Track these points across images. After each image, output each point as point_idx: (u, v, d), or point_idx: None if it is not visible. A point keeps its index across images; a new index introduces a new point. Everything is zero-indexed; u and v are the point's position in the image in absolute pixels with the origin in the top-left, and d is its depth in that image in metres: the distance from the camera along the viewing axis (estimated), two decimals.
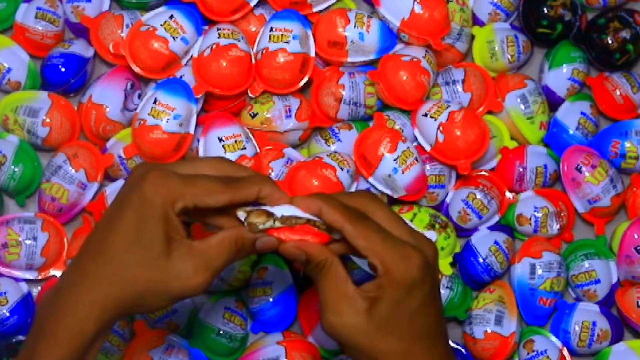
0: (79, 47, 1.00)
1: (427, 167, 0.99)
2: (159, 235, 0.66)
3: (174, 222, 0.67)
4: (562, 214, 1.01)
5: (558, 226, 1.01)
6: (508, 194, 1.02)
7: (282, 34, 0.97)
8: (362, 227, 0.68)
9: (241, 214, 0.70)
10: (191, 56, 0.98)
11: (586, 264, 1.00)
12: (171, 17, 0.96)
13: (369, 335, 0.67)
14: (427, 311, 0.68)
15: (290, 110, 0.99)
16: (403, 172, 0.95)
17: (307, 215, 0.70)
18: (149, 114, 0.94)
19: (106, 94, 0.98)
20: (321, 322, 0.69)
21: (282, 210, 0.70)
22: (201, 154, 0.96)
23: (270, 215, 0.69)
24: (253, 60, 0.98)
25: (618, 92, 1.04)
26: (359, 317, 0.67)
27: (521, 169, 1.01)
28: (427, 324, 0.69)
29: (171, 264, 0.66)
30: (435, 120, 0.97)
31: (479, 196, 0.99)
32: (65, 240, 0.98)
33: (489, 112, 1.03)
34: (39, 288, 0.98)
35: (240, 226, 0.70)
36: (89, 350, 0.67)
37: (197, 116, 0.97)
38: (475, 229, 1.01)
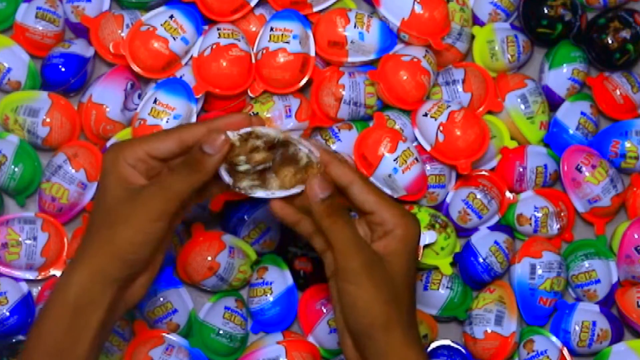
0: (79, 47, 1.00)
1: (427, 167, 0.99)
2: (114, 186, 0.70)
3: (127, 171, 0.70)
4: (562, 214, 1.01)
5: (558, 226, 1.01)
6: (508, 194, 1.02)
7: (282, 34, 0.97)
8: (370, 183, 0.73)
9: (231, 134, 0.71)
10: (191, 56, 0.98)
11: (586, 264, 1.00)
12: (171, 17, 0.96)
13: (387, 286, 0.71)
14: (414, 272, 0.74)
15: (290, 110, 0.99)
16: (403, 172, 0.95)
17: (306, 144, 0.72)
18: (149, 114, 0.94)
19: (106, 94, 0.98)
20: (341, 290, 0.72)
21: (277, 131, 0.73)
22: None
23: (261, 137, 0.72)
24: (253, 60, 0.98)
25: (618, 92, 1.04)
26: (375, 263, 0.72)
27: (521, 169, 1.01)
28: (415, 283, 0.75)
29: (133, 208, 0.69)
30: (436, 120, 0.97)
31: (479, 196, 0.99)
32: (65, 240, 0.98)
33: (489, 112, 1.03)
34: (39, 288, 0.98)
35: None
36: (85, 323, 0.69)
37: (197, 116, 0.97)
38: (475, 229, 1.01)
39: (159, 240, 0.71)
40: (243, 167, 0.72)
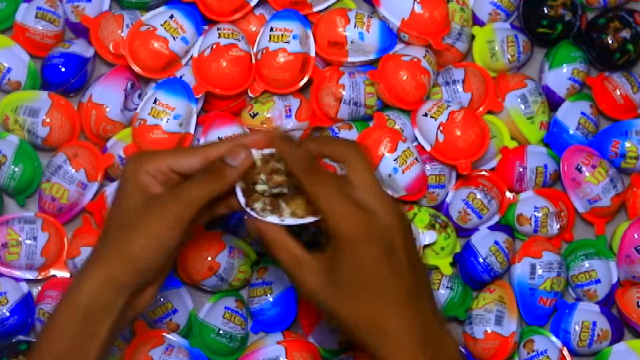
0: (79, 47, 1.00)
1: (427, 167, 0.99)
2: (132, 193, 0.71)
3: (146, 180, 0.71)
4: (562, 214, 1.01)
5: (558, 226, 1.01)
6: (508, 194, 1.02)
7: (282, 34, 0.97)
8: (319, 184, 0.70)
9: (255, 152, 0.72)
10: (191, 56, 0.98)
11: (586, 263, 1.00)
12: (171, 17, 0.96)
13: (332, 296, 0.69)
14: (386, 270, 0.69)
15: (290, 110, 0.99)
16: (403, 172, 0.95)
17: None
18: (149, 114, 0.94)
19: (106, 94, 0.98)
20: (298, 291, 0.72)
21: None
22: None
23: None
24: (253, 60, 0.98)
25: (618, 92, 1.04)
26: (318, 277, 0.70)
27: (521, 169, 1.01)
28: (391, 283, 0.69)
29: (149, 213, 0.69)
30: (436, 120, 0.97)
31: (479, 196, 0.99)
32: (65, 240, 0.98)
33: (489, 112, 1.03)
34: (39, 288, 0.98)
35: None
36: (94, 328, 0.69)
37: (197, 116, 0.97)
38: (475, 229, 1.01)
39: (171, 249, 0.71)
40: (260, 187, 0.73)
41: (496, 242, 0.99)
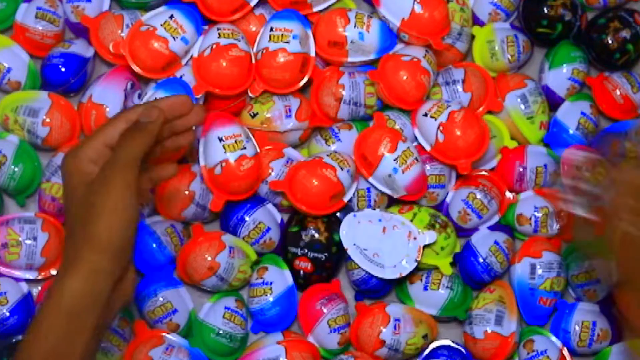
0: (79, 47, 1.00)
1: (427, 167, 0.99)
2: (78, 185, 0.71)
3: (89, 168, 0.71)
4: (562, 214, 1.01)
5: (558, 226, 1.01)
6: (508, 194, 1.02)
7: (282, 34, 0.97)
8: None
9: None
10: (191, 56, 0.98)
11: (586, 263, 1.00)
12: (171, 17, 0.96)
13: None
14: None
15: (290, 110, 0.99)
16: (403, 172, 0.95)
17: None
18: None
19: (106, 94, 0.98)
20: None
21: None
22: (201, 153, 0.96)
23: None
24: (253, 60, 0.98)
25: (618, 92, 1.04)
26: None
27: (521, 169, 1.01)
28: None
29: (97, 195, 0.69)
30: (436, 120, 0.97)
31: (479, 196, 0.99)
32: None
33: (489, 112, 1.03)
34: (39, 288, 0.98)
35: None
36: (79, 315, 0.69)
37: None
38: (475, 229, 1.01)
39: (133, 219, 0.70)
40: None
41: (496, 242, 0.99)
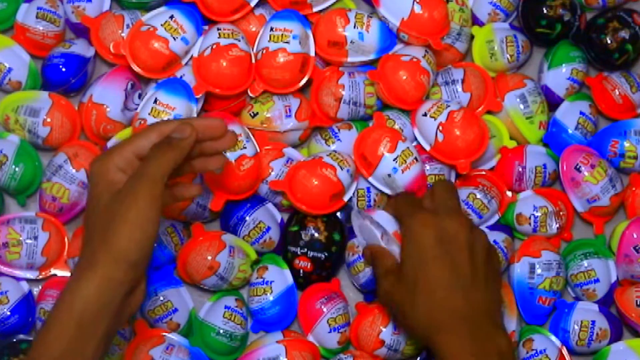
0: (80, 47, 1.01)
1: (427, 166, 0.99)
2: (104, 192, 0.72)
3: (117, 177, 0.72)
4: (561, 214, 1.01)
5: (557, 225, 1.01)
6: (508, 193, 1.02)
7: (282, 34, 0.97)
8: (395, 206, 0.89)
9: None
10: (191, 56, 0.98)
11: (585, 263, 1.00)
12: (171, 17, 0.97)
13: (399, 290, 0.83)
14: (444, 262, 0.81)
15: (290, 110, 0.99)
16: (403, 172, 0.95)
17: None
18: (149, 114, 0.94)
19: (107, 94, 0.98)
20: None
21: None
22: None
23: None
24: (253, 60, 0.98)
25: (617, 92, 1.04)
26: (392, 276, 0.85)
27: (520, 169, 1.01)
28: (446, 277, 0.81)
29: (122, 204, 0.69)
30: (435, 120, 0.97)
31: (479, 196, 0.99)
32: (66, 239, 0.98)
33: (489, 112, 1.04)
34: (40, 287, 0.98)
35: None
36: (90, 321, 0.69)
37: (198, 116, 0.97)
38: None
39: (153, 233, 0.71)
40: None
41: (495, 242, 0.99)
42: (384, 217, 0.90)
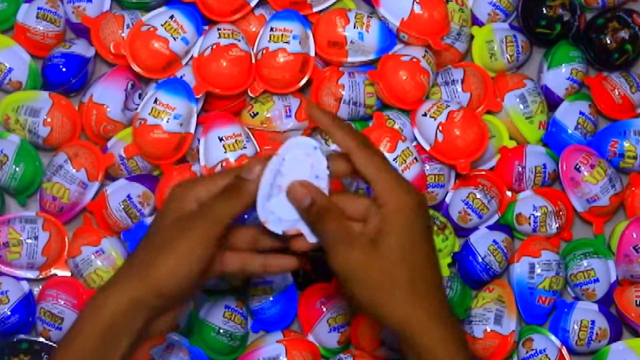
0: (80, 47, 1.01)
1: (427, 166, 0.99)
2: (169, 213, 0.71)
3: (190, 206, 0.71)
4: (561, 213, 1.01)
5: (557, 225, 1.01)
6: (508, 193, 1.02)
7: (282, 34, 0.97)
8: (371, 155, 0.70)
9: None
10: (191, 56, 0.98)
11: (585, 263, 1.00)
12: (172, 17, 0.97)
13: (380, 268, 0.67)
14: (426, 246, 0.69)
15: (290, 110, 0.99)
16: (402, 172, 0.95)
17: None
18: (149, 114, 0.94)
19: (107, 94, 0.98)
20: (331, 264, 0.69)
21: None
22: (201, 153, 0.96)
23: None
24: (253, 60, 0.98)
25: (617, 92, 1.04)
26: (364, 253, 0.68)
27: (520, 169, 1.02)
28: (429, 259, 0.69)
29: (177, 232, 0.69)
30: (435, 120, 0.97)
31: (479, 196, 0.99)
32: (66, 239, 0.98)
33: (488, 112, 1.04)
34: (40, 287, 0.98)
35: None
36: (112, 342, 0.69)
37: (198, 116, 0.97)
38: (475, 229, 1.01)
39: (197, 274, 0.70)
40: None
41: (495, 242, 0.99)
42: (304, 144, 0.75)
